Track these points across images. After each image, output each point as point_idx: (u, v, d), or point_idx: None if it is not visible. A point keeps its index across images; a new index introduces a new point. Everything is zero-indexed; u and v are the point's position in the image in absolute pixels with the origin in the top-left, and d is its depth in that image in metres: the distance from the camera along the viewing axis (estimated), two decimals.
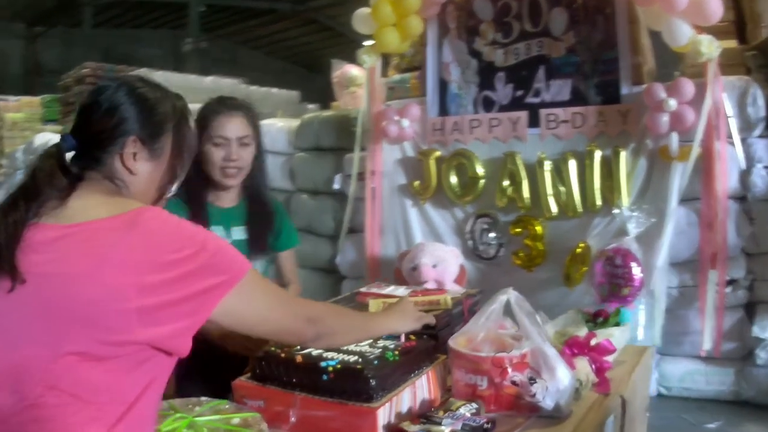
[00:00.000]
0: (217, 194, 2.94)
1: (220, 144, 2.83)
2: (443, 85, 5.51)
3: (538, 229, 4.98)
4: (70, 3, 20.47)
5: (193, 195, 2.87)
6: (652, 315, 4.50)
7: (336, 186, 6.35)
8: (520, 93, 5.13)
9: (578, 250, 4.69)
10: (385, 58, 6.80)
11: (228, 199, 2.97)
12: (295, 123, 7.14)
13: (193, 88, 12.11)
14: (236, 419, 1.87)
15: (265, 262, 3.02)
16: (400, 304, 2.24)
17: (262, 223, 2.97)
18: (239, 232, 2.92)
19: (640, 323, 4.29)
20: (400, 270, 4.79)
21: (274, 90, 14.17)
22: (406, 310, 2.21)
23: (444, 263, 4.58)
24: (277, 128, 7.28)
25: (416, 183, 5.57)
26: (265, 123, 7.38)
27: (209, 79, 12.71)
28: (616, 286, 4.12)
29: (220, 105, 2.94)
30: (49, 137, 9.09)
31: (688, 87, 4.40)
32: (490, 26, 5.26)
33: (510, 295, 2.12)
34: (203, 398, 2.00)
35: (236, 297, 1.59)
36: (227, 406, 1.96)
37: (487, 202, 5.28)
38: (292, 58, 27.17)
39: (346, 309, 2.10)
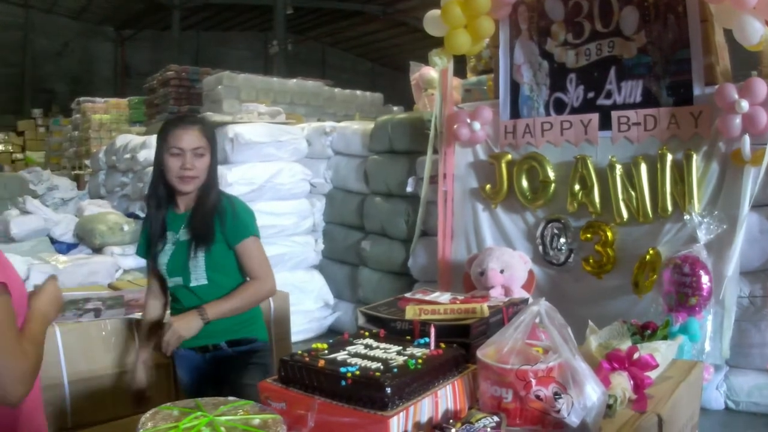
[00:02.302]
0: (176, 201, 3.19)
1: (176, 154, 3.06)
2: (515, 87, 5.43)
3: (609, 234, 4.87)
4: (159, 7, 20.94)
5: (158, 202, 3.21)
6: (721, 326, 4.33)
7: (409, 189, 6.35)
8: (591, 95, 5.02)
9: (648, 257, 4.55)
10: (463, 60, 6.76)
11: (183, 205, 3.18)
12: (369, 125, 7.14)
13: (277, 90, 12.32)
14: (256, 420, 1.85)
15: (205, 259, 3.09)
16: (42, 289, 2.23)
17: (200, 224, 3.09)
18: (185, 234, 3.13)
19: (707, 334, 4.13)
20: (469, 274, 4.75)
21: (358, 92, 14.29)
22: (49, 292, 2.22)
23: (511, 269, 4.53)
24: (352, 131, 7.32)
25: (488, 187, 5.52)
26: (341, 125, 7.43)
27: (293, 82, 12.84)
28: (683, 295, 4.00)
29: (179, 120, 3.21)
30: (129, 138, 9.27)
31: (761, 87, 4.20)
32: (561, 27, 5.15)
33: (542, 306, 2.04)
34: (230, 398, 1.99)
35: None
36: (251, 407, 1.95)
37: (558, 206, 5.20)
38: (382, 60, 27.38)
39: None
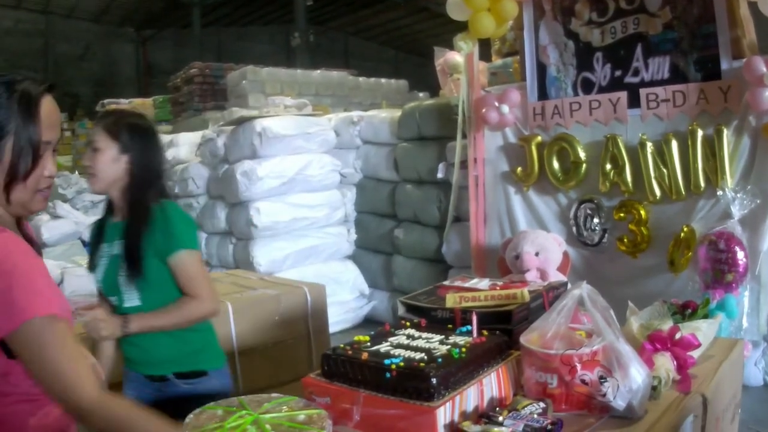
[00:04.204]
0: (116, 208, 2.91)
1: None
2: (542, 69, 5.39)
3: (642, 213, 4.83)
4: (178, 5, 21.00)
5: (105, 208, 2.99)
6: (758, 302, 4.29)
7: (440, 175, 6.35)
8: (618, 73, 4.97)
9: (682, 235, 4.51)
10: (487, 44, 6.73)
11: (119, 212, 2.88)
12: (397, 113, 7.14)
13: (302, 82, 12.34)
14: (301, 416, 1.85)
15: (141, 281, 2.76)
16: None
17: (128, 236, 2.77)
18: (118, 247, 2.81)
19: (744, 311, 4.10)
20: (504, 259, 4.75)
21: (383, 80, 14.29)
22: None
23: (546, 251, 4.51)
24: (380, 119, 7.32)
25: (519, 169, 5.51)
26: (368, 114, 7.43)
27: (317, 73, 12.87)
28: (719, 272, 3.98)
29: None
30: None
31: None
32: (585, 5, 5.10)
33: (584, 289, 2.03)
34: (274, 394, 2.00)
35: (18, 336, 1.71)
36: (295, 403, 1.96)
37: (590, 187, 5.16)
38: (406, 47, 27.33)
39: (118, 407, 1.95)
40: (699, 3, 4.56)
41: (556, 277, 4.30)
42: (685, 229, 4.51)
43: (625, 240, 4.95)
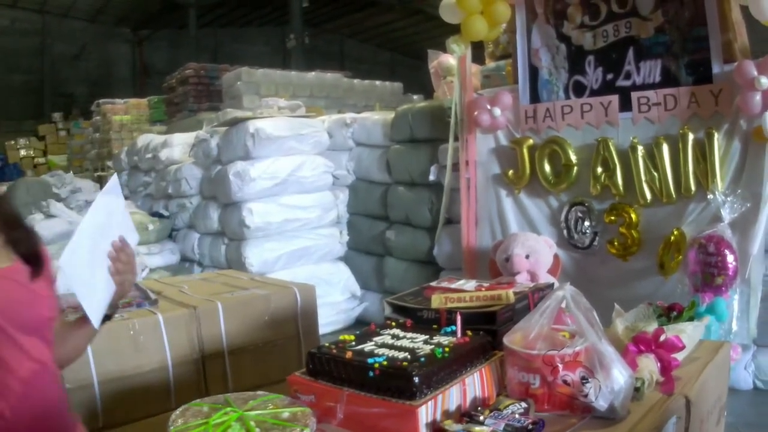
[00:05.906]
0: None
1: None
2: (534, 72, 5.40)
3: (633, 216, 4.84)
4: (175, 5, 20.99)
5: None
6: (748, 305, 4.30)
7: (431, 177, 6.34)
8: (610, 76, 4.98)
9: (672, 238, 4.53)
10: (481, 46, 6.74)
11: None
12: (390, 115, 7.14)
13: (296, 84, 12.35)
14: (286, 413, 1.86)
15: None
16: None
17: None
18: None
19: (734, 314, 4.11)
20: (495, 261, 4.76)
21: (378, 82, 14.30)
22: None
23: (536, 254, 4.54)
24: (373, 121, 7.32)
25: (510, 172, 5.51)
26: (361, 116, 7.44)
27: (312, 75, 12.88)
28: (709, 275, 3.98)
29: None
30: (151, 138, 9.30)
31: None
32: (577, 9, 5.11)
33: (567, 290, 2.04)
34: (259, 392, 2.00)
35: None
36: (280, 401, 1.96)
37: (582, 190, 5.17)
38: (401, 50, 27.36)
39: None
40: (691, 6, 4.57)
41: (546, 279, 4.31)
42: (676, 232, 4.52)
43: (616, 243, 4.95)
